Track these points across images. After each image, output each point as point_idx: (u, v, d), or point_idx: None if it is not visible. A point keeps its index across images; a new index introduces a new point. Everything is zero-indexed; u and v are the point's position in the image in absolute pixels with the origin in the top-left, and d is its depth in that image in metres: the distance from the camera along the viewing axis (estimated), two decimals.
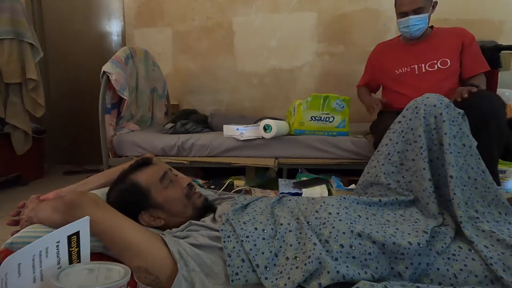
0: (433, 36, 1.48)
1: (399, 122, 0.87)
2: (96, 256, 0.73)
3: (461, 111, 0.83)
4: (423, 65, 1.46)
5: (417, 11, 1.40)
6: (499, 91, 1.58)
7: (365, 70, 1.75)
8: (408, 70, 1.49)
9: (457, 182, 0.75)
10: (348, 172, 1.62)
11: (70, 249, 0.48)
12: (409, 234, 0.68)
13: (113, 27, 2.74)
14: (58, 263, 0.46)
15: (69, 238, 0.47)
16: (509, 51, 1.64)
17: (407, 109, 0.86)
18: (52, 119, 2.83)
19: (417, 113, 0.82)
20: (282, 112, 1.90)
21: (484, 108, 1.12)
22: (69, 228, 0.48)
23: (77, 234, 0.49)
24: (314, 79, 2.49)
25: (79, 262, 0.50)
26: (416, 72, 1.47)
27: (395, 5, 1.48)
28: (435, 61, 1.43)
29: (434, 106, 0.80)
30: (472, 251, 0.67)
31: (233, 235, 0.73)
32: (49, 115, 2.75)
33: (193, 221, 0.81)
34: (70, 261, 0.48)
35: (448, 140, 0.77)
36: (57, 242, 0.46)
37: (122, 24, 2.69)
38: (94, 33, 2.75)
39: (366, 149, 1.54)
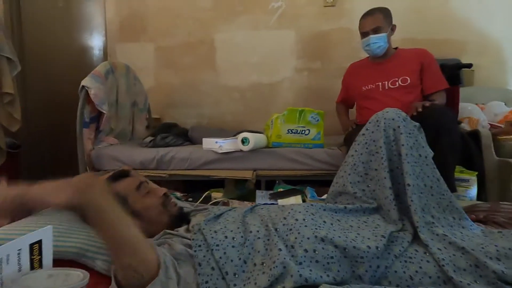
0: (396, 56, 1.63)
1: (363, 134, 0.92)
2: (67, 263, 0.73)
3: (417, 124, 0.90)
4: (386, 82, 1.60)
5: (375, 30, 1.56)
6: (462, 105, 1.69)
7: (341, 88, 1.91)
8: (374, 86, 1.63)
9: (414, 190, 0.80)
10: (324, 183, 1.67)
11: (32, 257, 0.49)
12: (368, 238, 0.72)
13: (95, 42, 2.76)
14: (20, 270, 0.47)
15: (31, 246, 0.48)
16: (469, 69, 1.77)
17: (369, 123, 0.92)
18: (29, 133, 2.76)
19: (378, 126, 0.88)
20: (263, 125, 1.95)
21: (438, 122, 1.21)
22: (31, 237, 0.49)
23: (39, 242, 0.50)
24: (294, 94, 2.58)
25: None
26: (380, 89, 1.61)
27: (359, 28, 1.64)
28: (397, 79, 1.58)
29: (393, 119, 0.86)
30: (427, 254, 0.71)
31: (203, 244, 0.75)
32: (26, 129, 2.69)
33: (167, 231, 0.82)
34: (32, 269, 0.49)
35: (406, 151, 0.83)
36: (18, 250, 0.46)
37: (104, 39, 2.71)
38: (75, 47, 2.75)
39: (340, 160, 1.58)
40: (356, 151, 0.92)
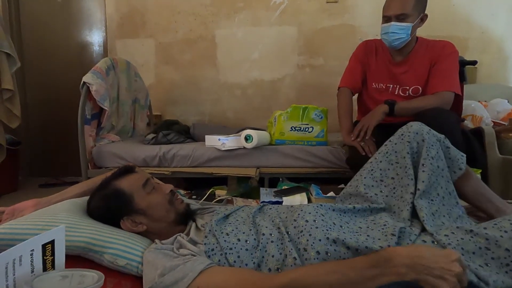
0: (414, 54, 1.43)
1: (385, 145, 0.93)
2: (74, 258, 0.73)
3: (442, 136, 0.89)
4: (397, 87, 1.47)
5: (400, 18, 1.31)
6: (465, 102, 1.69)
7: (350, 67, 1.57)
8: (384, 87, 1.50)
9: (424, 195, 0.80)
10: (328, 180, 1.67)
11: (45, 258, 0.48)
12: (379, 239, 0.72)
13: (95, 38, 2.73)
14: (32, 271, 0.46)
15: (44, 246, 0.48)
16: (474, 66, 1.76)
17: (394, 136, 0.92)
18: (29, 130, 2.74)
19: (402, 138, 0.89)
20: (265, 122, 1.94)
21: (440, 125, 1.16)
22: (44, 237, 0.48)
23: (52, 242, 0.49)
24: (295, 91, 2.57)
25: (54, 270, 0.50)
26: (389, 92, 1.48)
27: (383, 8, 1.40)
28: (408, 88, 1.45)
29: (417, 133, 0.87)
30: (435, 243, 0.71)
31: (217, 247, 0.75)
32: (26, 126, 2.67)
33: (179, 237, 0.80)
34: (45, 269, 0.48)
35: (423, 161, 0.83)
36: (31, 250, 0.46)
37: (104, 34, 2.68)
38: (75, 43, 2.72)
39: (343, 159, 1.59)
40: (376, 158, 0.93)
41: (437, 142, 0.88)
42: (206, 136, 1.70)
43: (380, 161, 0.91)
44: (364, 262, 0.58)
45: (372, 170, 0.91)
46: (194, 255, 0.72)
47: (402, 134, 0.90)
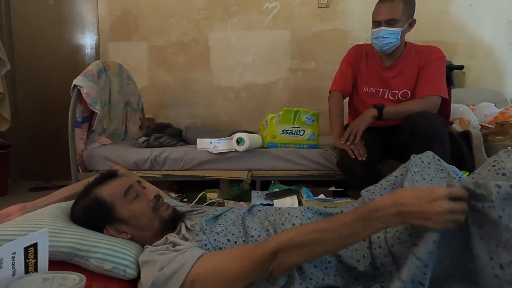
0: (403, 59, 1.46)
1: (396, 176, 0.91)
2: (59, 264, 0.72)
3: (448, 166, 0.86)
4: (386, 91, 1.50)
5: (389, 23, 1.35)
6: (453, 106, 1.72)
7: (341, 71, 1.60)
8: (374, 91, 1.52)
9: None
10: (319, 183, 1.68)
11: (27, 261, 0.47)
12: (356, 250, 0.71)
13: (87, 41, 2.72)
14: (14, 274, 0.46)
15: (26, 249, 0.47)
16: (461, 71, 1.79)
17: (401, 174, 0.90)
18: (19, 133, 2.71)
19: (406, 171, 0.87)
20: (258, 125, 1.95)
21: (428, 129, 1.19)
22: (26, 240, 0.48)
23: (34, 245, 0.48)
24: (288, 94, 2.58)
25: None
26: (379, 96, 1.51)
27: (372, 13, 1.42)
28: (397, 92, 1.47)
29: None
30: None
31: (208, 243, 0.75)
32: (16, 129, 2.64)
33: (170, 236, 0.79)
34: (27, 273, 0.48)
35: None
36: (12, 253, 0.45)
37: (96, 37, 2.67)
38: (67, 46, 2.71)
39: (334, 162, 1.60)
40: (381, 184, 0.92)
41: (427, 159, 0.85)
42: (198, 139, 1.70)
43: (384, 188, 0.91)
44: (352, 217, 0.59)
45: (373, 192, 0.91)
46: (190, 247, 0.72)
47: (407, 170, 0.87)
